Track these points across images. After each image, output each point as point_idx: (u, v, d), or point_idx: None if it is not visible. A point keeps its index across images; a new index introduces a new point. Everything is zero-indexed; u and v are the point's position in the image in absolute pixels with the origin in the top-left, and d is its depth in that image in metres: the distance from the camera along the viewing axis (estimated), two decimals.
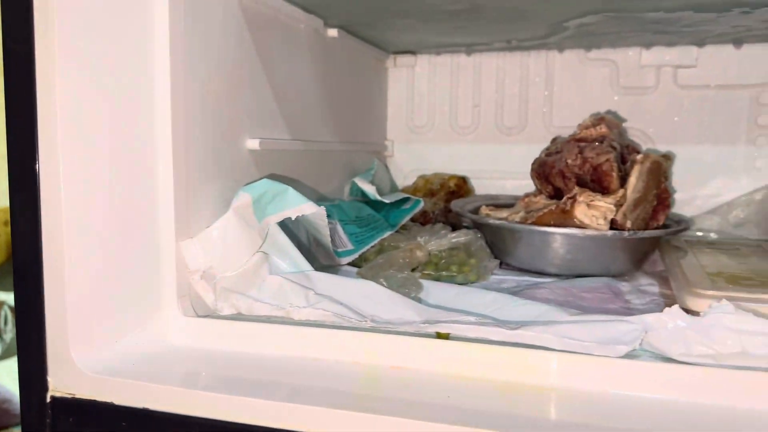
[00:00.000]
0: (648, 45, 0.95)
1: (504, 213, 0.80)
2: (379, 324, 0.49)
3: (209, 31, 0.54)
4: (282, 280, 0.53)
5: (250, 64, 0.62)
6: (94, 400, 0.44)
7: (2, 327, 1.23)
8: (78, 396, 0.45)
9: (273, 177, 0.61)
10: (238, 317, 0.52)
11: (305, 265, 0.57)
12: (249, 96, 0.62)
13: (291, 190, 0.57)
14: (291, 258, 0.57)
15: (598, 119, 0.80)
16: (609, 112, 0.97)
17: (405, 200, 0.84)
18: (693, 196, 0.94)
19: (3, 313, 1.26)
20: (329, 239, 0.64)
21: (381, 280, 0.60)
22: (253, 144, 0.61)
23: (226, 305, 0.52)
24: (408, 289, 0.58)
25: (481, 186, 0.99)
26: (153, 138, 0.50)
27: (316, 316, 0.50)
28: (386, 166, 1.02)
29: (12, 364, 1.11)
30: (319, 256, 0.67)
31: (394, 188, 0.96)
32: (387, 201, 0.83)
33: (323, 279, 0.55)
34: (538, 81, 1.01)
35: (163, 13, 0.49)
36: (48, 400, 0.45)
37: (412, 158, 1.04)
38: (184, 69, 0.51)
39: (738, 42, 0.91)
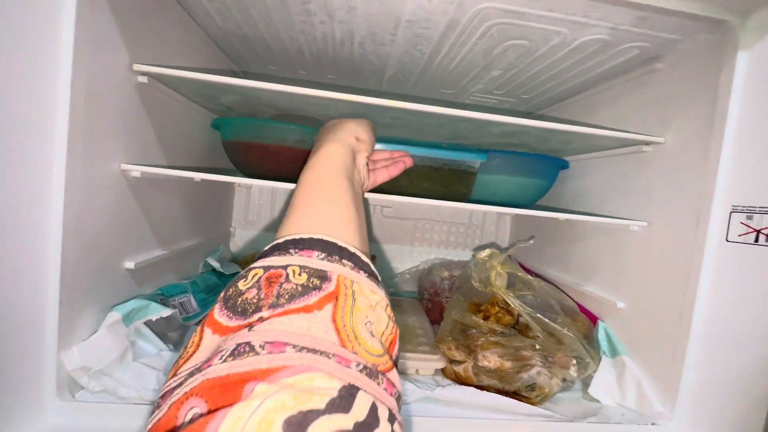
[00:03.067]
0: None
1: None
2: None
3: (97, 199, 0.44)
4: (141, 366, 0.44)
5: (130, 210, 0.51)
6: None
7: None
8: None
9: (139, 295, 0.51)
10: (101, 397, 0.41)
11: (161, 345, 0.49)
12: (127, 232, 0.50)
13: (153, 304, 0.48)
14: (153, 342, 0.48)
15: None
16: None
17: (238, 272, 0.78)
18: (387, 267, 0.96)
19: None
20: (179, 318, 0.57)
21: None
22: (129, 265, 0.50)
23: (98, 384, 0.42)
24: None
25: None
26: (45, 272, 0.39)
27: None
28: (228, 245, 0.93)
29: None
30: (173, 324, 0.58)
31: (232, 259, 0.88)
32: (225, 273, 0.76)
33: (171, 357, 0.47)
34: None
35: (60, 190, 0.38)
36: None
37: (246, 239, 0.96)
38: (76, 219, 0.40)
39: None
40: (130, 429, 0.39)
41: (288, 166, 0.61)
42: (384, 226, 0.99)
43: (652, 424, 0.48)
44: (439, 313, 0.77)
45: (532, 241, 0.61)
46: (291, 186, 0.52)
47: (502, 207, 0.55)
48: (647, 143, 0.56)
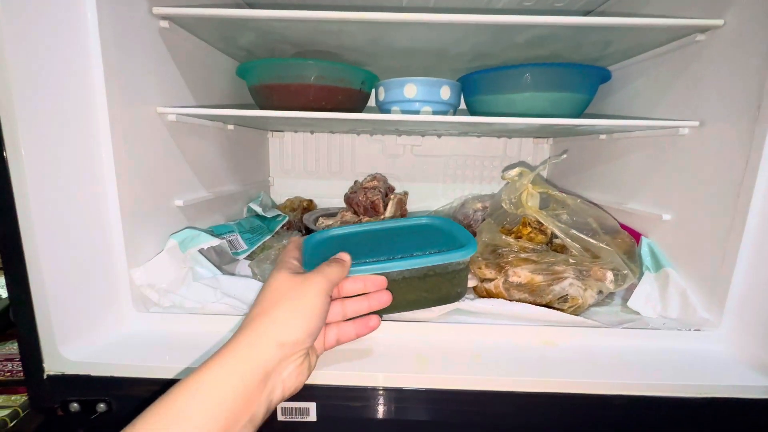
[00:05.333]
0: (399, 135, 0.96)
1: (330, 221, 0.83)
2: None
3: (141, 141, 0.48)
4: (201, 285, 0.50)
5: (173, 153, 0.55)
6: (77, 374, 0.40)
7: None
8: (66, 373, 0.40)
9: (191, 227, 0.57)
10: (170, 310, 0.48)
11: (216, 271, 0.54)
12: (173, 173, 0.55)
13: (203, 234, 0.54)
14: (208, 268, 0.54)
15: (373, 176, 0.84)
16: (379, 169, 0.97)
17: (278, 215, 0.83)
18: (419, 207, 0.95)
19: None
20: (229, 248, 0.62)
21: (262, 269, 0.60)
22: (179, 202, 0.55)
23: (166, 300, 0.48)
24: None
25: (321, 203, 0.97)
26: (107, 206, 0.44)
27: (219, 308, 0.48)
28: (268, 194, 0.99)
29: None
30: (224, 258, 0.64)
31: (273, 206, 0.93)
32: (268, 216, 0.81)
33: (226, 280, 0.52)
34: (347, 148, 0.98)
35: (106, 130, 0.43)
36: (45, 377, 0.40)
37: (284, 187, 1.00)
38: (126, 160, 0.45)
39: (439, 136, 0.96)
40: (193, 333, 0.45)
41: (310, 104, 0.61)
42: (415, 164, 0.98)
43: (696, 330, 0.46)
44: None
45: (564, 156, 0.57)
46: (313, 114, 0.53)
47: (530, 118, 0.52)
48: (703, 29, 0.49)
